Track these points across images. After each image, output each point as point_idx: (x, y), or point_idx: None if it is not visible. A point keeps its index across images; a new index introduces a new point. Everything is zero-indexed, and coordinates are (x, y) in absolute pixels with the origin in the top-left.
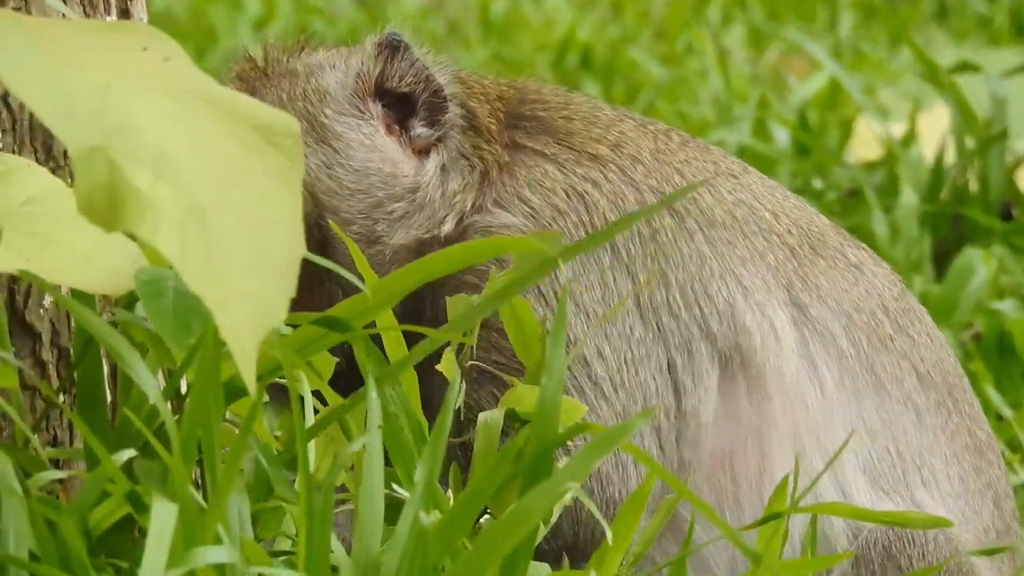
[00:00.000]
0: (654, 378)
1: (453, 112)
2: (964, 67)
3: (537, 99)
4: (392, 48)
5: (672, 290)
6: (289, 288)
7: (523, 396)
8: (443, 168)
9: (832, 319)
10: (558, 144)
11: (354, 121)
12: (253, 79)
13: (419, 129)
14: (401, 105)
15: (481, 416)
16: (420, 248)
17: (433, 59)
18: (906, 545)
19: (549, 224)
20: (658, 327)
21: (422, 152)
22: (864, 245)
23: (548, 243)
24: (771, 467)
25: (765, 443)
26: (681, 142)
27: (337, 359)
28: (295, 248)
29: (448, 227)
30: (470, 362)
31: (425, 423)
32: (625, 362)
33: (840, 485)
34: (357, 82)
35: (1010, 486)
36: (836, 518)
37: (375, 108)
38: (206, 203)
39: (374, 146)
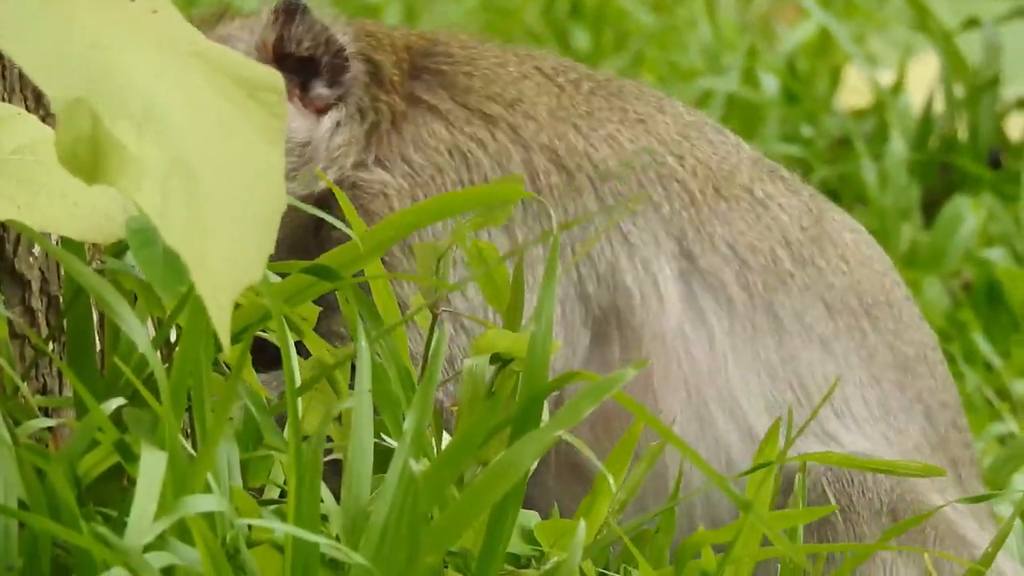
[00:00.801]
0: None
1: (355, 70)
2: (968, 24)
3: (444, 52)
4: (288, 13)
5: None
6: (269, 244)
7: (496, 340)
8: (338, 124)
9: (723, 266)
10: (453, 101)
11: None
12: None
13: (319, 89)
14: (304, 68)
15: (466, 363)
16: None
17: (335, 19)
18: (845, 485)
19: (428, 182)
20: (531, 279)
21: (321, 111)
22: (787, 173)
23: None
24: (668, 422)
25: (658, 399)
26: (589, 91)
27: (320, 308)
28: (277, 203)
29: (323, 185)
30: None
31: (414, 372)
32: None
33: (749, 429)
34: (258, 51)
35: (950, 394)
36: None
37: None
38: (190, 158)
39: None
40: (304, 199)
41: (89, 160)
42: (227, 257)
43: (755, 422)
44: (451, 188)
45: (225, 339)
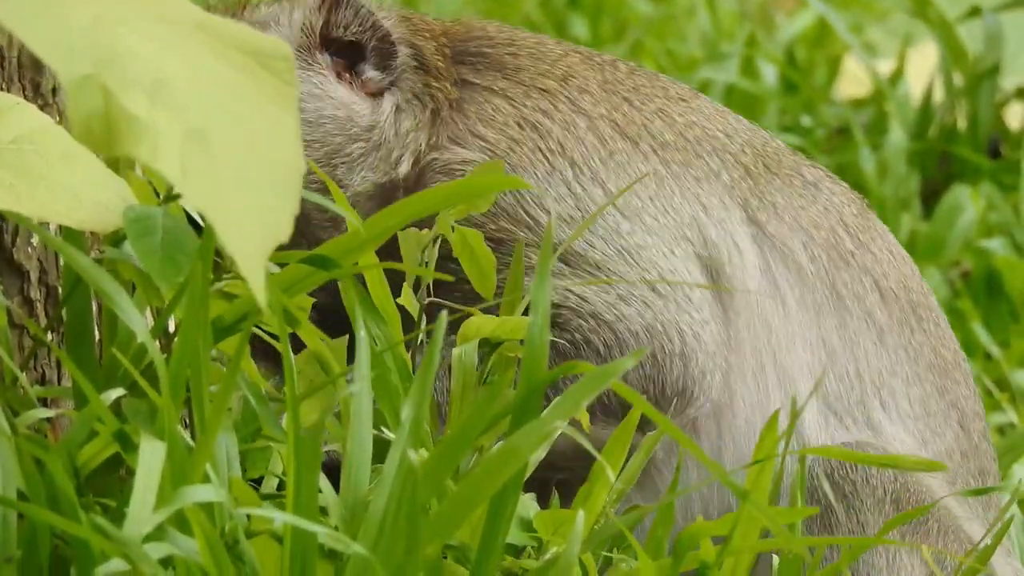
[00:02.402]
0: (659, 261)
1: (403, 55)
2: (972, 12)
3: (483, 35)
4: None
5: (643, 199)
6: (294, 201)
7: (481, 325)
8: (398, 108)
9: (791, 235)
10: (506, 79)
11: (303, 74)
12: None
13: (370, 73)
14: (350, 52)
15: (455, 351)
16: (380, 194)
17: (378, 4)
18: (848, 471)
19: (506, 154)
20: (643, 222)
21: (375, 95)
22: (820, 166)
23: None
24: (735, 391)
25: (731, 362)
26: (628, 71)
27: (314, 299)
28: (297, 163)
29: (404, 167)
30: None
31: (410, 362)
32: (621, 250)
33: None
34: (302, 36)
35: (980, 405)
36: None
37: (323, 58)
38: (205, 125)
39: (325, 94)
40: (386, 187)
41: (104, 133)
42: (253, 216)
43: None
44: (530, 155)
45: (261, 296)
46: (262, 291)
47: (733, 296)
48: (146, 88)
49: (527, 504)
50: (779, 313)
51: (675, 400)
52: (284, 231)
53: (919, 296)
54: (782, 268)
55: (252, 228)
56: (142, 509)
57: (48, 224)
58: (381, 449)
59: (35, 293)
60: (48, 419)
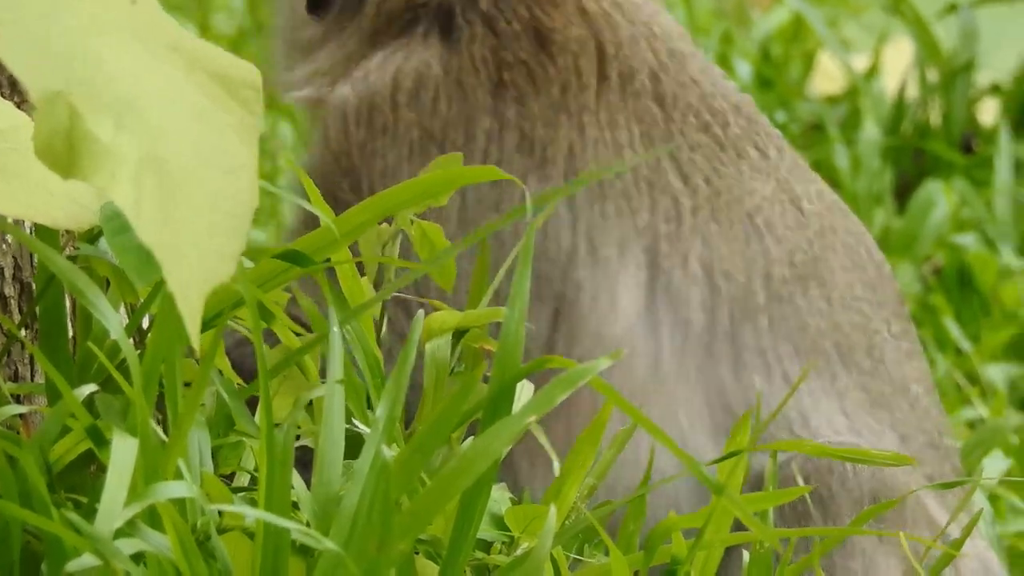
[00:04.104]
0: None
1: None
2: (948, 9)
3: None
4: None
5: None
6: (240, 243)
7: (446, 319)
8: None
9: (690, 286)
10: None
11: None
12: None
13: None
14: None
15: (428, 346)
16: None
17: None
18: (824, 474)
19: None
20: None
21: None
22: (825, 189)
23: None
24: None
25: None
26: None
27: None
28: (249, 202)
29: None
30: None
31: (381, 358)
32: None
33: (684, 445)
34: None
35: (934, 421)
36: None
37: None
38: (165, 153)
39: None
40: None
41: (64, 155)
42: (198, 255)
43: (690, 439)
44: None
45: (195, 337)
46: (196, 333)
47: (580, 338)
48: (114, 111)
49: (498, 499)
50: (647, 362)
51: None
52: (227, 272)
53: (853, 341)
54: (667, 318)
55: (195, 268)
56: (114, 505)
57: (23, 221)
58: (350, 444)
59: (9, 289)
60: (21, 415)
